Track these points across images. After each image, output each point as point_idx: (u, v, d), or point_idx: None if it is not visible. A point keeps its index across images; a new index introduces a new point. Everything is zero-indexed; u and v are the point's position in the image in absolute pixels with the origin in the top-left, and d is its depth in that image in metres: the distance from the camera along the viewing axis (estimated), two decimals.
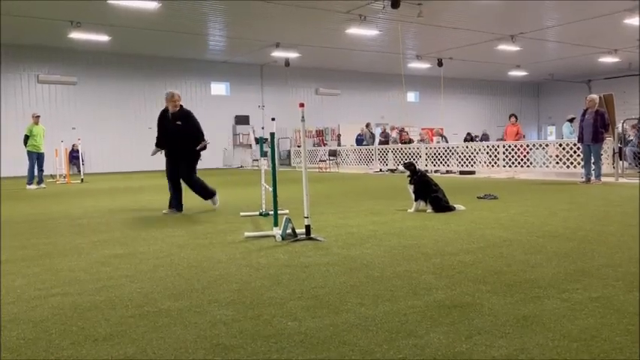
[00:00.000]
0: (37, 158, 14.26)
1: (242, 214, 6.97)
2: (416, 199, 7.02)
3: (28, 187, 13.87)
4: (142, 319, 2.76)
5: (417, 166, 7.36)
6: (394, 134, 21.03)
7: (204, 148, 7.50)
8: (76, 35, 18.68)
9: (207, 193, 7.68)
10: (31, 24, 18.07)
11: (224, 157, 26.85)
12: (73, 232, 5.88)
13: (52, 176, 17.95)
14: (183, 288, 3.37)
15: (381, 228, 5.61)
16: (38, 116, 14.64)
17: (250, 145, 26.02)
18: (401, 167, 7.49)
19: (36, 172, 14.20)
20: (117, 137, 23.82)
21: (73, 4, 15.80)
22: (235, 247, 4.69)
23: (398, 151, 18.93)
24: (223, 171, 23.19)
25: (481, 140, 20.80)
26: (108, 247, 4.86)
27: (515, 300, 2.92)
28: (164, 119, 7.48)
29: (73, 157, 20.24)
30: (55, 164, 18.00)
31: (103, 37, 19.64)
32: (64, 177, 16.63)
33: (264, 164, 8.11)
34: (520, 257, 4.02)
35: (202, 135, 7.49)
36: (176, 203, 7.49)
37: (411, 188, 7.11)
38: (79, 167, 18.84)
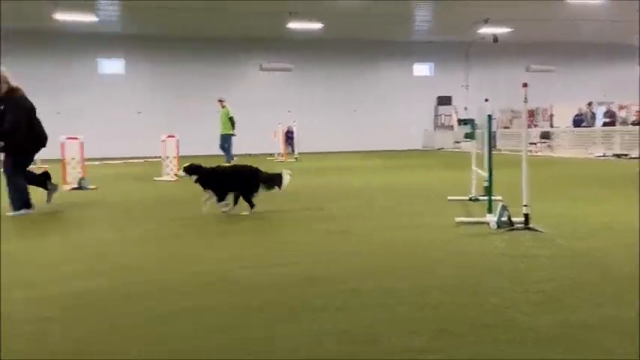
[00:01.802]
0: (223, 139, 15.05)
1: (449, 197, 6.84)
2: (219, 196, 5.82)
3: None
4: (364, 295, 2.90)
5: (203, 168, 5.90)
6: (623, 114, 18.44)
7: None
8: (293, 25, 20.27)
9: (19, 203, 6.21)
10: (254, 17, 20.15)
11: (424, 138, 26.73)
12: (295, 207, 6.42)
13: (271, 154, 19.94)
14: (402, 269, 3.46)
15: (614, 219, 5.00)
16: (220, 100, 15.42)
17: (452, 126, 25.37)
18: (181, 172, 5.95)
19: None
20: (327, 119, 25.39)
21: None
22: (448, 232, 4.64)
23: (627, 133, 16.57)
24: (423, 152, 23.10)
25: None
26: (327, 223, 5.21)
27: None
28: None
29: (289, 137, 22.09)
30: (273, 144, 19.97)
31: (317, 25, 20.93)
32: (281, 155, 18.33)
33: (474, 147, 7.83)
34: None
35: (12, 131, 6.01)
36: (26, 200, 6.31)
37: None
38: (293, 147, 20.54)
